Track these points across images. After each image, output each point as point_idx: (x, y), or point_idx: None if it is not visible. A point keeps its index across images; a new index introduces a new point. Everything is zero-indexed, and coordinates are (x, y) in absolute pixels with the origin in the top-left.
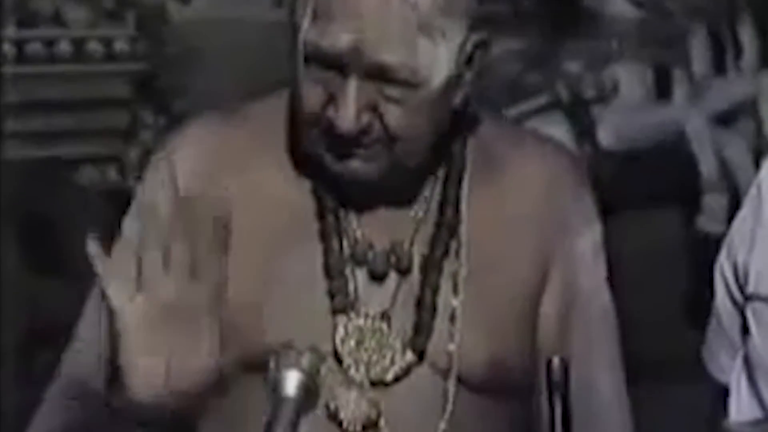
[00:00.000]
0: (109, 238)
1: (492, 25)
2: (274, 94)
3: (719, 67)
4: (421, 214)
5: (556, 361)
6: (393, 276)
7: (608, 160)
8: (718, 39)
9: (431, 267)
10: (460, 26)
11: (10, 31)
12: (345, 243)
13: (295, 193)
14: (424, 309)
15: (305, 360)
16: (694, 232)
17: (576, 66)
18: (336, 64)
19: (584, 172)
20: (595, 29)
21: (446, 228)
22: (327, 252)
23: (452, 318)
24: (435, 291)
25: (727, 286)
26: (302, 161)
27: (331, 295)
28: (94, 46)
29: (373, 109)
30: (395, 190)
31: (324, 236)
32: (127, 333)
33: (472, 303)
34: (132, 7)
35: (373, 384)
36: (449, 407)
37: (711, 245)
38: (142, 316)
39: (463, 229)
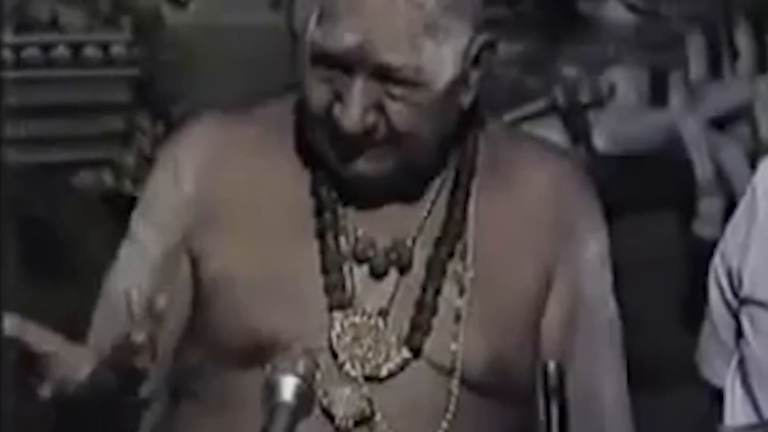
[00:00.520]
0: (106, 241)
1: (490, 29)
2: (278, 98)
3: (715, 71)
4: (425, 213)
5: (552, 365)
6: (393, 274)
7: (604, 164)
8: (714, 44)
9: (435, 267)
10: (465, 27)
11: (8, 36)
12: (343, 240)
13: (296, 190)
14: (424, 307)
15: (301, 365)
16: (689, 236)
17: (573, 70)
18: (342, 64)
19: (590, 178)
20: (592, 34)
21: (453, 229)
22: (323, 249)
23: (457, 318)
24: (437, 291)
25: (720, 290)
26: (304, 160)
27: (328, 292)
28: (91, 51)
29: (379, 108)
30: (400, 189)
31: (321, 233)
32: None
33: (476, 304)
34: (129, 12)
35: (368, 379)
36: (452, 407)
37: (707, 249)
38: None
39: (470, 231)
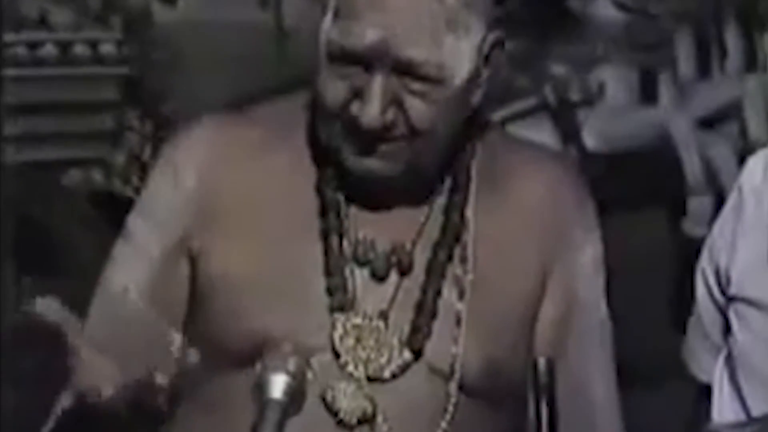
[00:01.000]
0: (96, 239)
1: None
2: (283, 96)
3: (705, 70)
4: (423, 218)
5: (542, 361)
6: (393, 276)
7: (593, 162)
8: (703, 42)
9: (435, 270)
10: (481, 24)
11: None
12: (345, 242)
13: (297, 191)
14: (424, 310)
15: (292, 363)
16: (679, 234)
17: (563, 69)
18: (362, 61)
19: (585, 182)
20: (582, 33)
21: (451, 233)
22: (327, 251)
23: (458, 321)
24: (437, 294)
25: (708, 287)
26: (306, 160)
27: (330, 293)
28: (80, 50)
29: (398, 104)
30: (405, 191)
31: (325, 234)
32: None
33: (474, 308)
34: (118, 11)
35: (371, 380)
36: (450, 408)
37: (696, 247)
38: None
39: (469, 234)
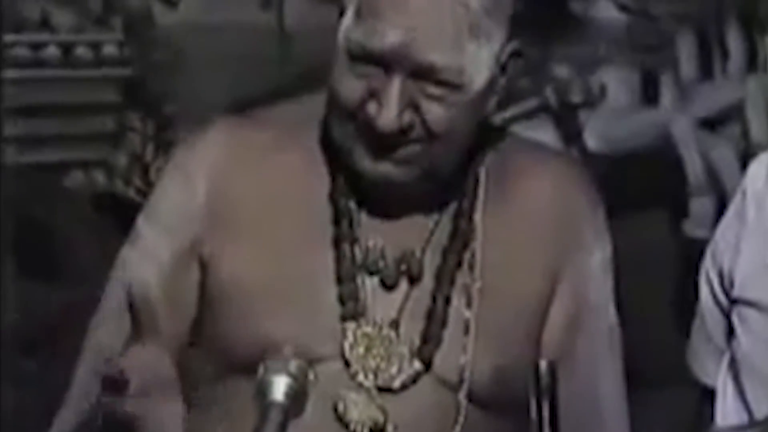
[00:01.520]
0: (99, 240)
1: None
2: (294, 99)
3: (706, 71)
4: (432, 224)
5: (543, 364)
6: (403, 284)
7: (595, 164)
8: (705, 43)
9: (444, 277)
10: (501, 32)
11: None
12: (357, 250)
13: (310, 196)
14: (435, 319)
15: (293, 366)
16: (681, 236)
17: (564, 70)
18: (381, 62)
19: (594, 185)
20: (583, 34)
21: (460, 239)
22: (339, 258)
23: (466, 330)
24: (446, 301)
25: (711, 290)
26: (320, 164)
27: (342, 302)
28: (82, 51)
29: (415, 107)
30: (418, 198)
31: (337, 242)
32: None
33: (481, 316)
34: (119, 13)
35: (381, 390)
36: (461, 419)
37: (698, 249)
38: None
39: (477, 241)
